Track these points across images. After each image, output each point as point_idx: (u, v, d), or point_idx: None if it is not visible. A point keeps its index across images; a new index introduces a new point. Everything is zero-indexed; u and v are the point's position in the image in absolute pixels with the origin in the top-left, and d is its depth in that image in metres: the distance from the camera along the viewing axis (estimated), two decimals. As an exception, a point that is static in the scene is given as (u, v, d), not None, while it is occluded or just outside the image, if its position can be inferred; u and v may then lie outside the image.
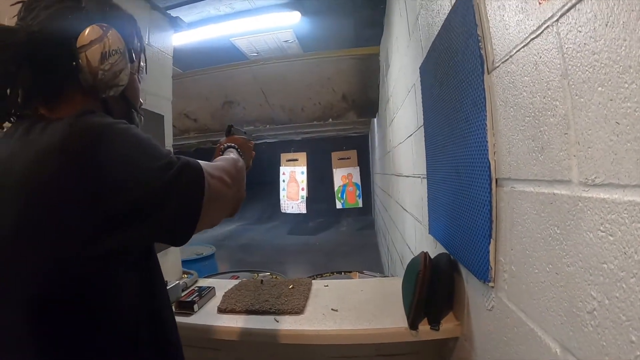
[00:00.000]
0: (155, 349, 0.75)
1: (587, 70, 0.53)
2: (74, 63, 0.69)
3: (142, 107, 0.91)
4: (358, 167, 7.99)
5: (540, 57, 0.66)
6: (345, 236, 10.19)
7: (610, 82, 0.48)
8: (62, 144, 0.59)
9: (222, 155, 1.07)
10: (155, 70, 1.91)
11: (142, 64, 0.87)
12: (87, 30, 0.69)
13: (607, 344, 0.51)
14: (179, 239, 0.71)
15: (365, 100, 5.02)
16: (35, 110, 0.72)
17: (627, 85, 0.46)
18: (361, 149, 8.32)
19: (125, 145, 0.63)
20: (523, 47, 0.72)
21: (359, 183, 7.97)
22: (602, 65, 0.50)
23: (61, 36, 0.68)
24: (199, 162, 0.74)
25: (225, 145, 1.15)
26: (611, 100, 0.48)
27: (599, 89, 0.51)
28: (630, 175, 0.46)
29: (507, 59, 0.80)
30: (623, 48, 0.46)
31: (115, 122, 0.65)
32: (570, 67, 0.57)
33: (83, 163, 0.59)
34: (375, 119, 5.57)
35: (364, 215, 10.77)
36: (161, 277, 0.83)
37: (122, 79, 0.76)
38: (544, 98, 0.66)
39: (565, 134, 0.60)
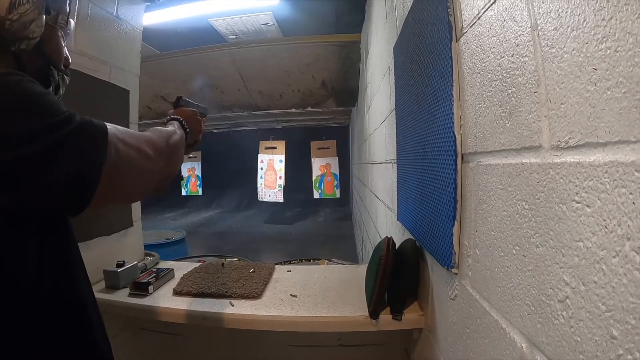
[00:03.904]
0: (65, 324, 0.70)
1: (559, 16, 0.46)
2: None
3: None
4: (337, 158, 7.94)
5: (508, 12, 0.59)
6: (322, 226, 10.19)
7: (585, 23, 0.41)
8: None
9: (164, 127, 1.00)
10: (123, 44, 1.81)
11: (64, 17, 0.80)
12: None
13: (582, 339, 0.42)
14: (71, 208, 0.63)
15: (345, 88, 4.96)
16: None
17: (604, 23, 0.38)
18: (341, 140, 8.26)
19: (6, 98, 0.57)
20: (491, 4, 0.66)
21: (337, 173, 7.91)
22: (576, 5, 0.42)
23: None
24: (106, 125, 0.66)
25: (170, 117, 1.08)
26: (587, 43, 0.41)
27: (573, 33, 0.43)
28: (612, 130, 0.38)
29: (475, 22, 0.73)
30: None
31: (4, 73, 0.60)
32: (539, 15, 0.50)
33: None
34: (355, 109, 5.50)
35: (342, 206, 10.80)
36: (77, 255, 0.77)
37: (33, 31, 0.70)
38: (512, 56, 0.59)
39: (534, 92, 0.52)
